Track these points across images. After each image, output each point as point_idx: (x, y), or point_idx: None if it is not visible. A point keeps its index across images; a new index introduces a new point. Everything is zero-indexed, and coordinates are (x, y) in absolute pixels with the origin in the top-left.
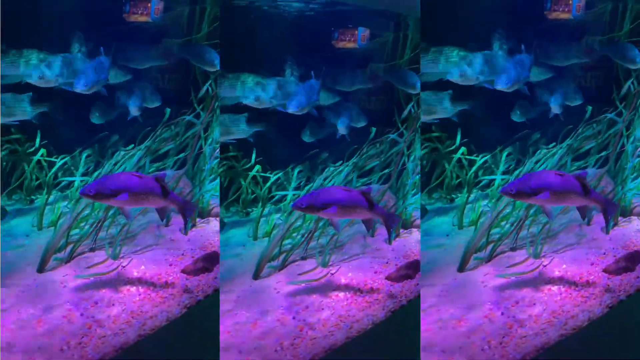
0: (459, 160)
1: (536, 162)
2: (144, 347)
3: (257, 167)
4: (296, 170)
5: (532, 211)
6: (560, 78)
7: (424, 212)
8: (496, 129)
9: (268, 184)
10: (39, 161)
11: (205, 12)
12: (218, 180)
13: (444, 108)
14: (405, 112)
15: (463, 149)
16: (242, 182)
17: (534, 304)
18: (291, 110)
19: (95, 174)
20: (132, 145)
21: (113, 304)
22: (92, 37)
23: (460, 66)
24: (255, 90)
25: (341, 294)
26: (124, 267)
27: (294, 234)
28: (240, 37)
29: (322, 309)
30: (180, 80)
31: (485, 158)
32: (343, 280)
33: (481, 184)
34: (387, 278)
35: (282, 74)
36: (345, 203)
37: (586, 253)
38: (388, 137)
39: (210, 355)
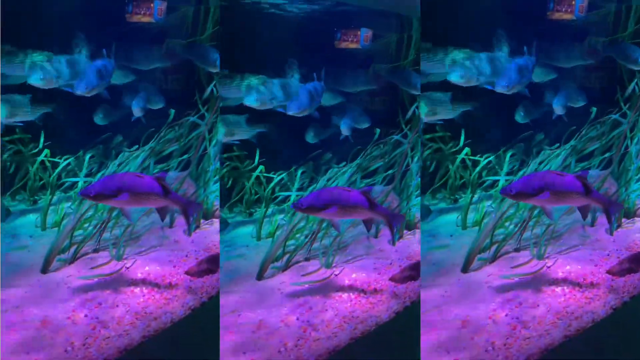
0: (463, 160)
1: (540, 163)
2: (147, 348)
3: (261, 167)
4: (299, 171)
5: (535, 212)
6: (564, 79)
7: (428, 212)
8: (500, 129)
9: (272, 184)
10: (42, 162)
11: (209, 12)
12: (222, 181)
13: (446, 109)
14: (409, 113)
15: (467, 149)
16: (246, 183)
17: (538, 305)
18: (291, 112)
19: (99, 174)
20: (137, 146)
21: (117, 305)
22: (94, 37)
23: (461, 67)
24: (256, 92)
25: (345, 295)
26: (127, 268)
27: (298, 235)
28: (242, 37)
29: (326, 310)
30: (184, 81)
31: (489, 159)
32: (347, 281)
33: (485, 184)
34: (391, 279)
35: (284, 75)
36: (345, 203)
37: (590, 254)
38: (392, 138)
39: (214, 356)
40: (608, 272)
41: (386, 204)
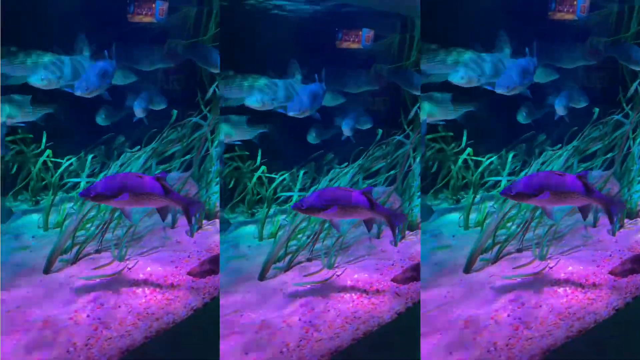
0: (465, 161)
1: (542, 164)
2: (150, 348)
3: (263, 168)
4: (301, 172)
5: (537, 213)
6: (566, 80)
7: (430, 213)
8: (502, 130)
9: (274, 184)
10: (44, 162)
11: (212, 13)
12: (223, 181)
13: (447, 110)
14: (412, 114)
15: (469, 149)
16: (248, 183)
17: (540, 306)
18: (292, 113)
19: (101, 175)
20: (138, 147)
21: (119, 306)
22: (95, 37)
23: (462, 68)
24: (257, 92)
25: (347, 296)
26: (130, 268)
27: (300, 235)
28: (243, 38)
29: (328, 310)
30: (186, 82)
31: (492, 159)
32: (349, 282)
33: (487, 185)
34: (393, 280)
35: (285, 76)
36: (346, 203)
37: (592, 255)
38: (394, 138)
39: (216, 357)
40: (610, 272)
41: (388, 205)
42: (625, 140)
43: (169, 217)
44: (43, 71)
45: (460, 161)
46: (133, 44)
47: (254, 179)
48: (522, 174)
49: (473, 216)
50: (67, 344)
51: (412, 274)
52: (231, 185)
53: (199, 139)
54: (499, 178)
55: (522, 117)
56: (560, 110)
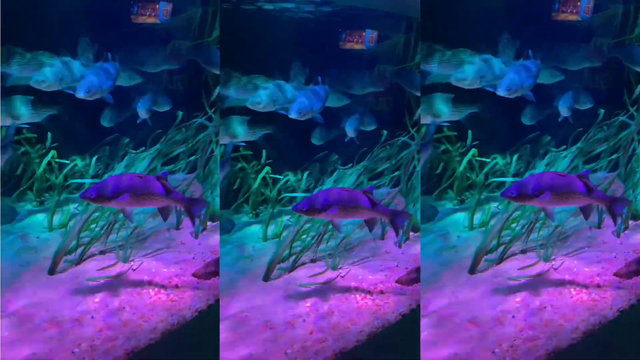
0: (470, 162)
1: (547, 165)
2: (154, 350)
3: (267, 168)
4: (306, 173)
5: (542, 214)
6: (570, 81)
7: (435, 213)
8: (507, 131)
9: (278, 185)
10: (49, 163)
11: (216, 15)
12: (224, 182)
13: (449, 111)
14: (417, 115)
15: (474, 150)
16: (252, 184)
17: (545, 307)
18: (293, 115)
19: (106, 176)
20: (143, 148)
21: (124, 307)
22: (98, 38)
23: (461, 69)
24: (259, 94)
25: (351, 297)
26: (134, 270)
27: (304, 236)
28: (246, 39)
29: (332, 312)
30: (191, 83)
31: (496, 160)
32: (353, 283)
33: (491, 186)
34: (397, 281)
35: (288, 77)
36: (346, 203)
37: (597, 256)
38: (399, 139)
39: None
40: (615, 274)
41: (392, 206)
42: (630, 141)
43: (173, 218)
44: (45, 73)
45: (464, 162)
46: (137, 45)
47: (258, 180)
48: (527, 175)
49: (477, 217)
50: (71, 345)
51: (417, 275)
52: (236, 186)
53: (204, 140)
54: (503, 179)
55: (526, 119)
56: (564, 112)
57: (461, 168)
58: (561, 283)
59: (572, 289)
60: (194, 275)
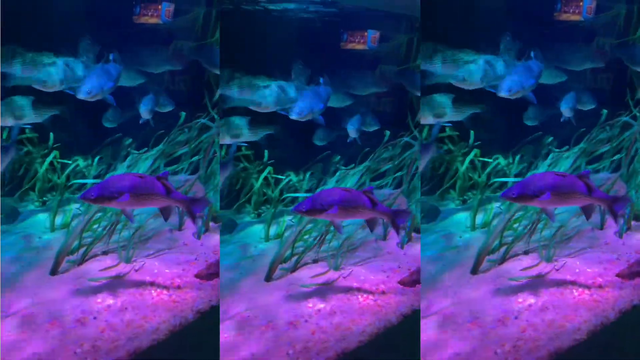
0: (472, 162)
1: (549, 165)
2: (156, 351)
3: (269, 168)
4: (308, 173)
5: (544, 215)
6: (572, 81)
7: (437, 213)
8: (509, 131)
9: (280, 185)
10: (51, 163)
11: (219, 15)
12: (227, 182)
13: (449, 111)
14: (419, 115)
15: (476, 150)
16: (254, 184)
17: (547, 308)
18: (294, 116)
19: (108, 176)
20: (145, 148)
21: (126, 308)
22: (100, 39)
23: (462, 70)
24: (261, 94)
25: (353, 298)
26: (136, 270)
27: (306, 237)
28: (248, 40)
29: (334, 312)
30: (194, 84)
31: (498, 160)
32: (355, 284)
33: (494, 186)
34: (400, 282)
35: (290, 78)
36: (346, 203)
37: (599, 257)
38: (401, 140)
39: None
40: (617, 275)
41: (395, 207)
42: (633, 142)
43: (176, 219)
44: (47, 73)
45: (467, 162)
46: (139, 46)
47: (260, 180)
48: (529, 175)
49: (480, 217)
50: (74, 346)
51: (419, 276)
52: (238, 187)
53: (206, 140)
54: (505, 179)
55: (529, 119)
56: (566, 112)
57: (463, 168)
58: (563, 284)
59: (574, 290)
60: (196, 276)
